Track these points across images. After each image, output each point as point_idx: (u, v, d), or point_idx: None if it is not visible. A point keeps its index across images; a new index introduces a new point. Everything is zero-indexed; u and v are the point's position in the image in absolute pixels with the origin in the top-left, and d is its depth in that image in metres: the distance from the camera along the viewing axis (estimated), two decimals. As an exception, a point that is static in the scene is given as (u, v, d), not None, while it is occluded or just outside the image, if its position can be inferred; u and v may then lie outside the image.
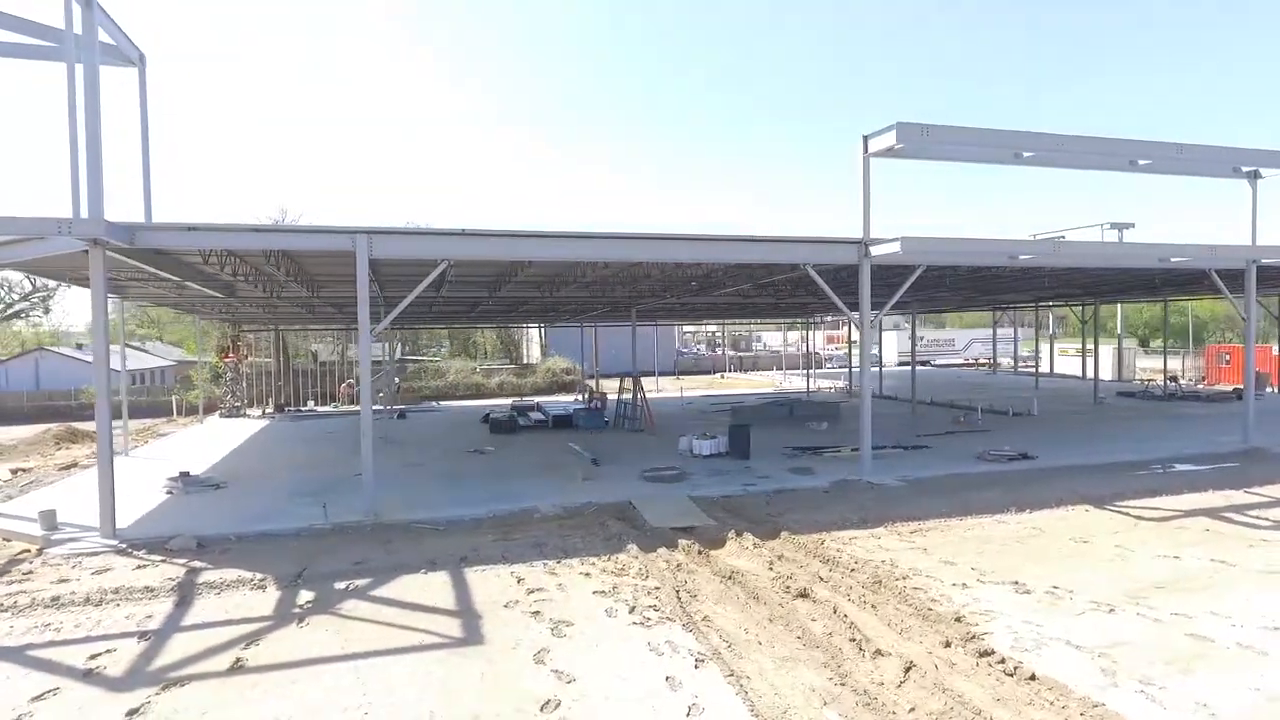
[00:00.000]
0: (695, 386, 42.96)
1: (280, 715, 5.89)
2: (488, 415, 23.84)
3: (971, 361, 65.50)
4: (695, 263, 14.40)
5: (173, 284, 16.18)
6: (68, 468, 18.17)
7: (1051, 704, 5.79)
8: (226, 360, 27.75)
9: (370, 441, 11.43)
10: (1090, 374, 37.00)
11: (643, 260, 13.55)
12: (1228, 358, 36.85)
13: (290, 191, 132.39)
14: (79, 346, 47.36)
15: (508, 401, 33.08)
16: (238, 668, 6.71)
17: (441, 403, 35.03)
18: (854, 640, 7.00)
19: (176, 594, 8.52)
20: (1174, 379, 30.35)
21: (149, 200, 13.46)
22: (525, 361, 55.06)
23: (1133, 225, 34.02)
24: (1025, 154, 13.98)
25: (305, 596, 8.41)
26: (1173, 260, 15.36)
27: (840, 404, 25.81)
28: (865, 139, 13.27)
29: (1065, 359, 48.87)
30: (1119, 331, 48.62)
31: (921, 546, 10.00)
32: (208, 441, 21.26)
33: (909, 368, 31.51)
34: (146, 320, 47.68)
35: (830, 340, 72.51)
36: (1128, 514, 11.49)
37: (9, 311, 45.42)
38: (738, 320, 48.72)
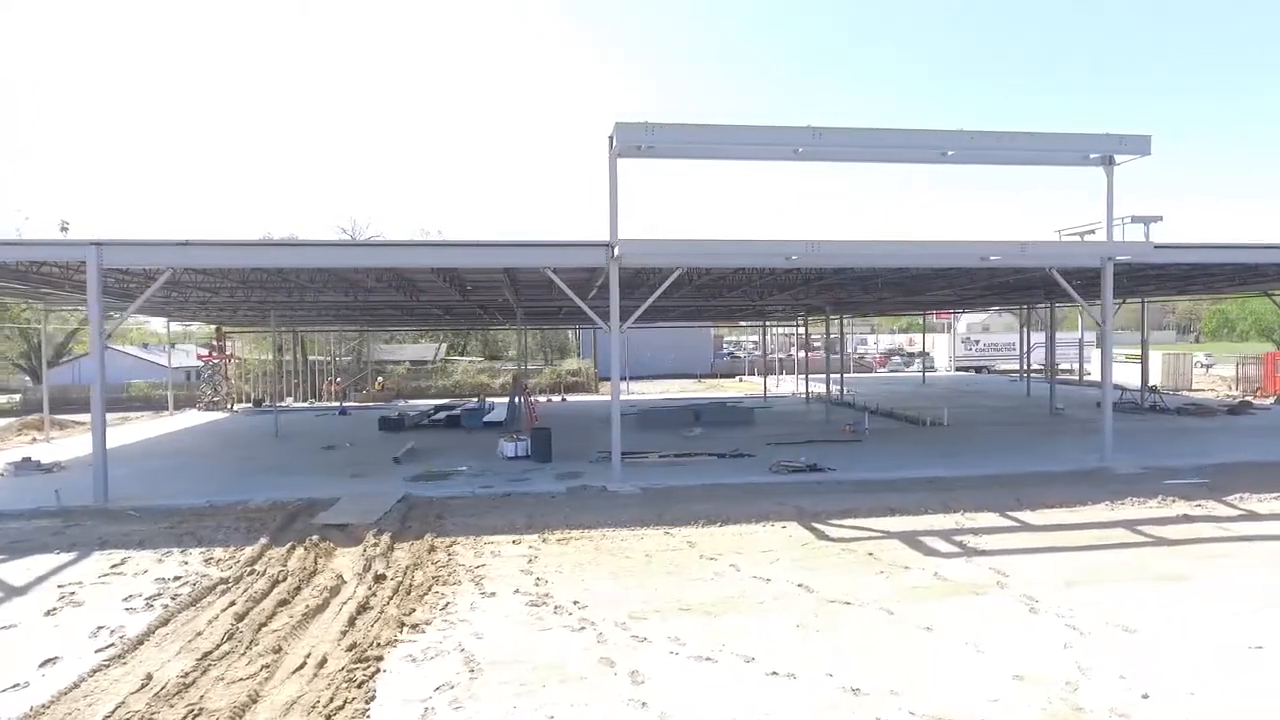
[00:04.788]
0: (680, 390, 42.55)
1: None
2: (388, 415, 24.36)
3: (1039, 367, 60.83)
4: (451, 268, 14.58)
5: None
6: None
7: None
8: (205, 359, 30.36)
9: (102, 432, 12.44)
10: (1148, 383, 34.01)
11: (391, 267, 13.90)
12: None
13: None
14: (144, 346, 52.89)
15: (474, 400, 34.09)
16: None
17: (414, 401, 36.50)
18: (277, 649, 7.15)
19: None
20: (1153, 389, 27.04)
21: None
22: (555, 363, 56.30)
23: (1160, 219, 30.85)
24: (799, 149, 13.25)
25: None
26: (992, 259, 14.01)
27: (755, 410, 24.92)
28: (611, 138, 13.01)
29: (1116, 365, 44.59)
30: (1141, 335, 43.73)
31: (554, 551, 9.85)
32: (140, 433, 23.50)
33: (961, 374, 29.86)
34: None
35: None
36: (824, 532, 10.71)
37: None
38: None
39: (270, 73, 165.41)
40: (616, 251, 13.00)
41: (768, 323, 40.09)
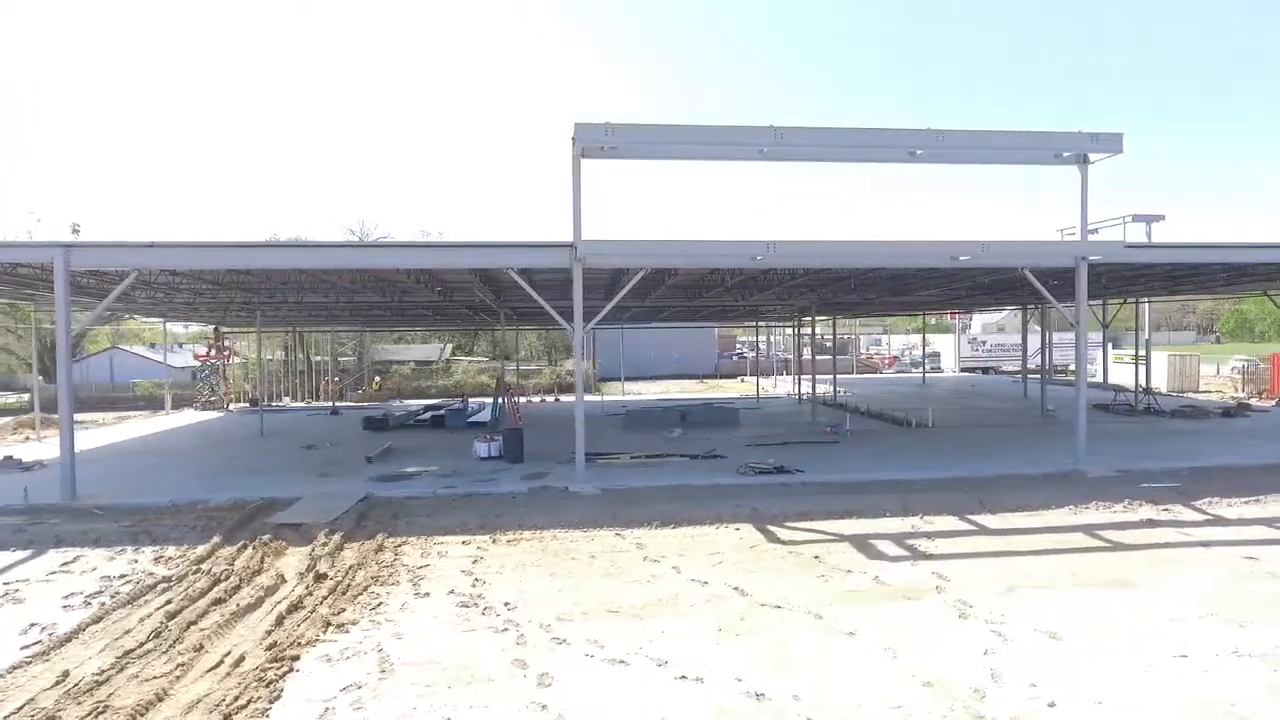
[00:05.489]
0: (680, 391, 42.51)
1: None
2: (373, 414, 24.46)
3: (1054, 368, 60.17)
4: (414, 269, 14.65)
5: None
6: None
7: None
8: (203, 359, 30.71)
9: (70, 433, 12.62)
10: (1147, 384, 33.75)
11: (359, 268, 13.99)
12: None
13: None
14: (151, 345, 53.57)
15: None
16: None
17: (413, 400, 36.69)
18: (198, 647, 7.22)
19: None
20: (1147, 390, 26.61)
21: None
22: (559, 363, 56.47)
23: (1162, 218, 30.48)
24: (763, 149, 13.18)
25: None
26: (961, 259, 13.87)
27: (741, 411, 24.81)
28: (573, 139, 13.00)
29: (1120, 365, 44.02)
30: (1141, 336, 43.22)
31: (501, 552, 9.89)
32: (130, 432, 23.82)
33: (966, 374, 29.58)
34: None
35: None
36: (776, 534, 10.66)
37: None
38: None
39: (272, 74, 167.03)
40: (580, 252, 13.00)
41: (761, 323, 39.94)
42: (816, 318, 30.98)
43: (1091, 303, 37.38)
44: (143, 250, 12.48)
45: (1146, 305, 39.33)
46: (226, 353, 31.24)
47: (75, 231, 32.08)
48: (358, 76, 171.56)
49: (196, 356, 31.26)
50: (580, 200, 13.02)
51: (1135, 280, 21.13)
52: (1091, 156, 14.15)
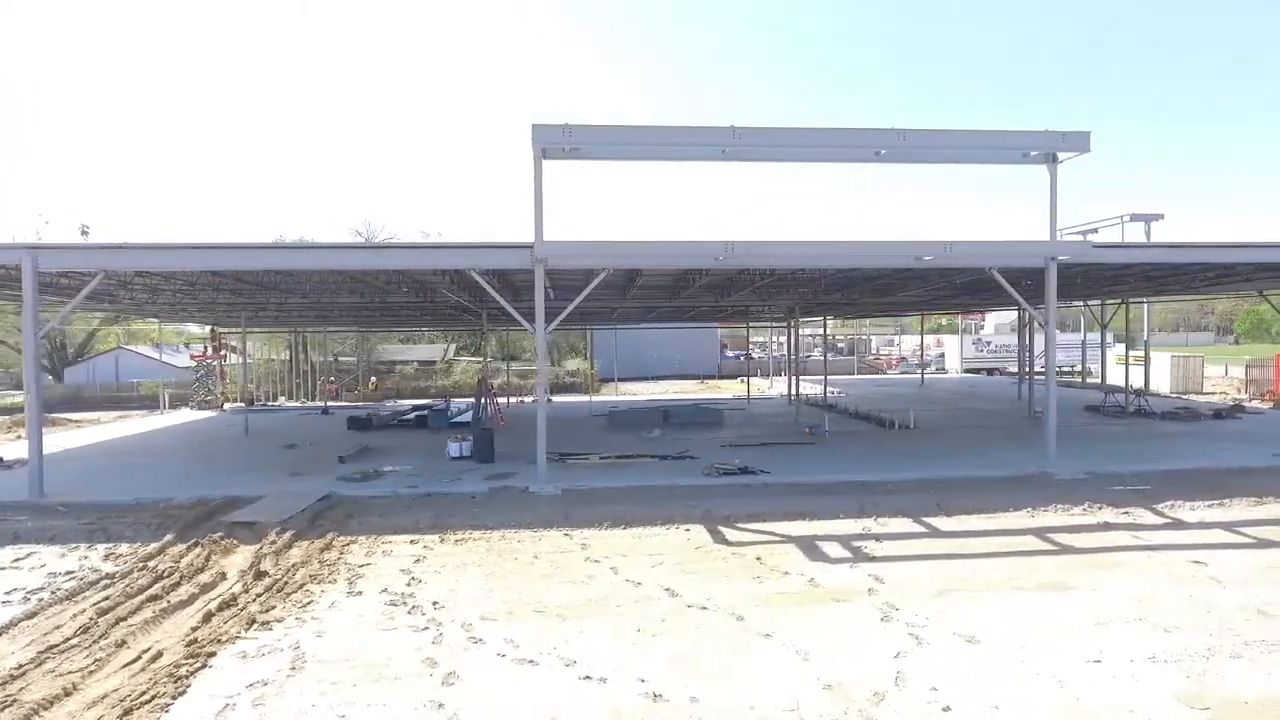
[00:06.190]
0: (678, 391, 42.54)
1: None
2: (357, 415, 24.57)
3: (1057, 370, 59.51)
4: (377, 270, 14.75)
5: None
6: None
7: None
8: (199, 359, 31.06)
9: (38, 431, 12.83)
10: (1143, 385, 33.58)
11: (321, 268, 14.11)
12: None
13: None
14: (157, 346, 54.27)
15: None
16: None
17: (410, 400, 36.89)
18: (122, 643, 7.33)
19: None
20: (1138, 391, 26.24)
21: None
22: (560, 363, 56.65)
23: (1161, 217, 30.17)
24: (725, 149, 13.16)
25: None
26: (925, 259, 13.77)
27: (725, 412, 24.77)
28: (533, 140, 13.03)
29: (1122, 367, 43.51)
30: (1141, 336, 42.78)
31: (446, 551, 9.95)
32: (119, 431, 24.14)
33: (969, 375, 29.31)
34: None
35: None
36: (724, 535, 10.66)
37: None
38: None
39: (272, 75, 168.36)
40: (540, 253, 13.04)
41: (754, 324, 39.85)
42: (806, 319, 30.81)
43: (1090, 304, 37.23)
44: (109, 252, 12.67)
45: (1146, 306, 39.03)
46: (223, 353, 31.61)
47: (84, 233, 32.46)
48: (358, 77, 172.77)
49: (193, 357, 31.64)
50: (542, 201, 13.05)
51: (1118, 281, 20.88)
52: (1060, 156, 14.01)
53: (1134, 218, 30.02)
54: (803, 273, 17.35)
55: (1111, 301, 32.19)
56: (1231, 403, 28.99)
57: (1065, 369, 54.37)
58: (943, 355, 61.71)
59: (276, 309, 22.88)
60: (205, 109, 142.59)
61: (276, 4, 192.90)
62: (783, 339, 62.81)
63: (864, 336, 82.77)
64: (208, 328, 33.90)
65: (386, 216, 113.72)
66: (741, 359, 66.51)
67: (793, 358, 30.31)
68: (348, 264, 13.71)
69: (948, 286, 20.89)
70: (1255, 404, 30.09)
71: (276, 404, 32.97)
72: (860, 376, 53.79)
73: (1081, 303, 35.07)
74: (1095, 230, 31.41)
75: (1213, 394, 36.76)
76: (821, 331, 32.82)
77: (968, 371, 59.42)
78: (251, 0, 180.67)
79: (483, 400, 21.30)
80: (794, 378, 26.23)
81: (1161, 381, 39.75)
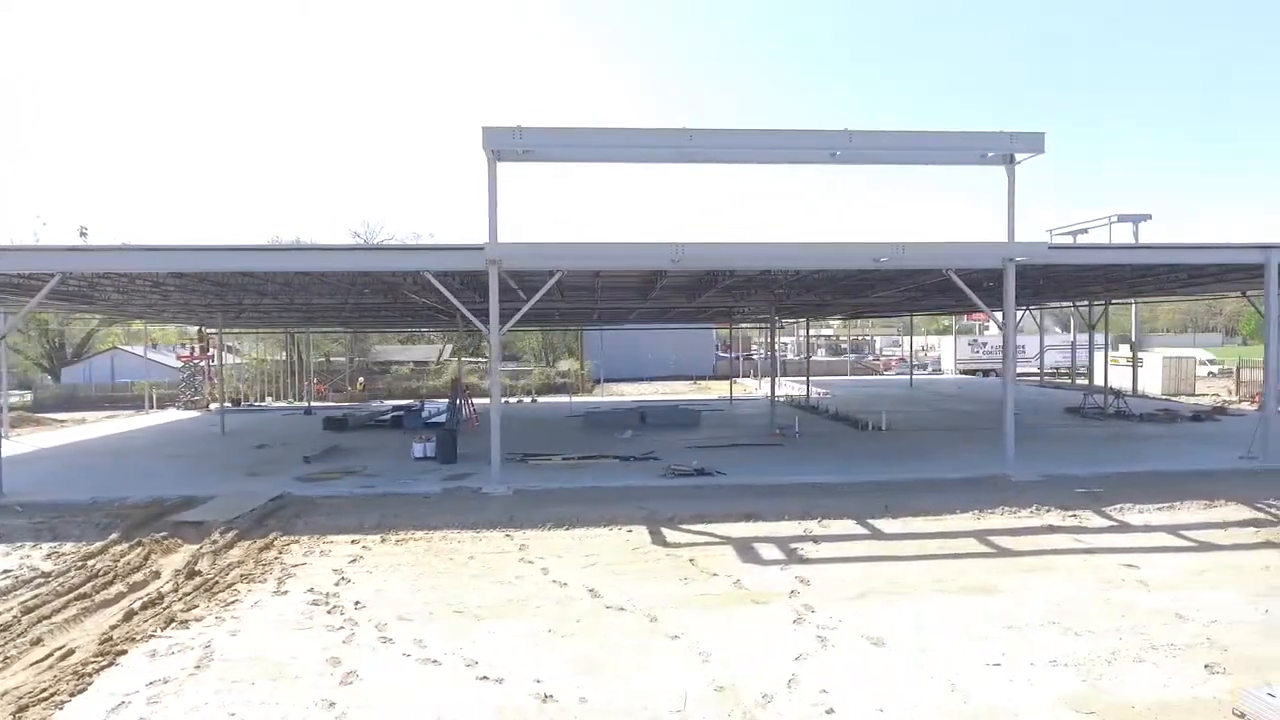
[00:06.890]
0: (669, 392, 42.57)
1: None
2: (334, 415, 24.59)
3: (1053, 371, 59.36)
4: (332, 272, 14.85)
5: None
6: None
7: None
8: (185, 359, 31.27)
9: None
10: (1131, 386, 33.58)
11: (276, 270, 14.20)
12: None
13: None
14: (154, 346, 54.65)
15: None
16: None
17: (399, 400, 37.05)
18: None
19: None
20: (1115, 394, 26.07)
21: None
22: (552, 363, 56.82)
23: (1149, 217, 30.02)
24: (680, 150, 13.20)
25: None
26: (881, 260, 13.76)
27: (702, 413, 24.79)
28: (484, 143, 13.07)
29: (1115, 368, 43.34)
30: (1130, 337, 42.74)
31: (384, 551, 10.01)
32: (100, 431, 24.34)
33: (964, 376, 29.19)
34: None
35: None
36: (664, 536, 10.72)
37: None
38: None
39: (272, 75, 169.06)
40: (493, 255, 13.10)
41: (739, 325, 39.85)
42: (790, 319, 30.76)
43: (1079, 305, 37.05)
44: (63, 255, 12.80)
45: (1134, 307, 38.84)
46: (210, 353, 31.78)
47: (83, 235, 32.72)
48: (358, 77, 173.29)
49: (179, 357, 31.85)
50: (496, 203, 13.11)
51: (1086, 282, 20.81)
52: (1018, 157, 13.98)
53: (1121, 218, 29.98)
54: (769, 274, 17.36)
55: (1099, 303, 32.09)
56: (1214, 405, 28.83)
57: (1063, 370, 54.29)
58: (915, 356, 61.43)
59: (253, 310, 22.99)
60: (205, 109, 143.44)
61: (276, 4, 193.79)
62: (784, 339, 62.81)
63: (868, 338, 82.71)
64: (197, 329, 34.15)
65: (386, 218, 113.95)
66: (735, 360, 66.85)
67: (771, 358, 30.19)
68: (302, 265, 13.81)
69: (916, 288, 20.84)
70: (1244, 406, 29.91)
71: (263, 404, 33.15)
72: (853, 377, 53.70)
73: (1070, 304, 34.97)
74: (1085, 231, 31.28)
75: (1204, 395, 36.55)
76: (822, 333, 32.72)
77: (964, 373, 59.27)
78: (251, 0, 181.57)
79: (457, 401, 21.38)
80: (772, 378, 26.11)
81: (1153, 383, 39.55)
